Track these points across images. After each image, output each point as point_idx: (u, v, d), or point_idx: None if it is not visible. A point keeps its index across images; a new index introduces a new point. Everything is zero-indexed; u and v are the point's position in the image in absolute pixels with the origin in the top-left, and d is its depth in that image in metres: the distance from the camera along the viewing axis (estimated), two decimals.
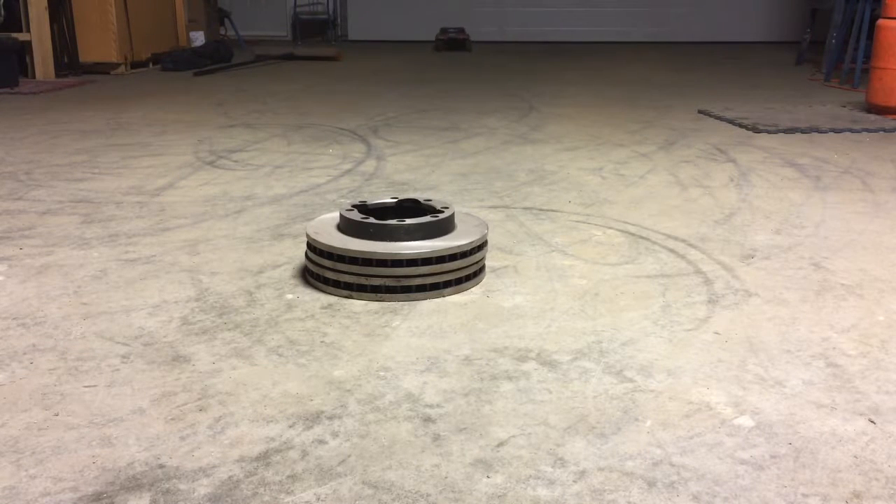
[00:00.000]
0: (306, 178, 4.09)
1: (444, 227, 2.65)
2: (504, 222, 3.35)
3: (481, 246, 2.67)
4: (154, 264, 2.85)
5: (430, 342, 2.25)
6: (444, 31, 11.80)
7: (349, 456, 1.71)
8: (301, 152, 4.70)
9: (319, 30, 13.04)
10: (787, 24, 12.49)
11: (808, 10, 9.62)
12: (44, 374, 2.06)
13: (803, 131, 5.32)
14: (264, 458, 1.70)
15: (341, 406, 1.91)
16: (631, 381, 2.03)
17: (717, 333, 2.31)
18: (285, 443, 1.75)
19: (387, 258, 2.51)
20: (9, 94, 6.99)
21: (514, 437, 1.78)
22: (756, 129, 5.34)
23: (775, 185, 3.96)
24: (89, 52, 8.43)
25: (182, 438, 1.77)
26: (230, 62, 9.34)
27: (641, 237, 3.17)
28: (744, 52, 11.20)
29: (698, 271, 2.80)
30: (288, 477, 1.63)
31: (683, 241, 3.12)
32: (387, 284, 2.51)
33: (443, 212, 2.69)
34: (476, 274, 2.67)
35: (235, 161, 4.47)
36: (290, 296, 2.58)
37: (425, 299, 2.53)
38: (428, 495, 1.58)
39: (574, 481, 1.62)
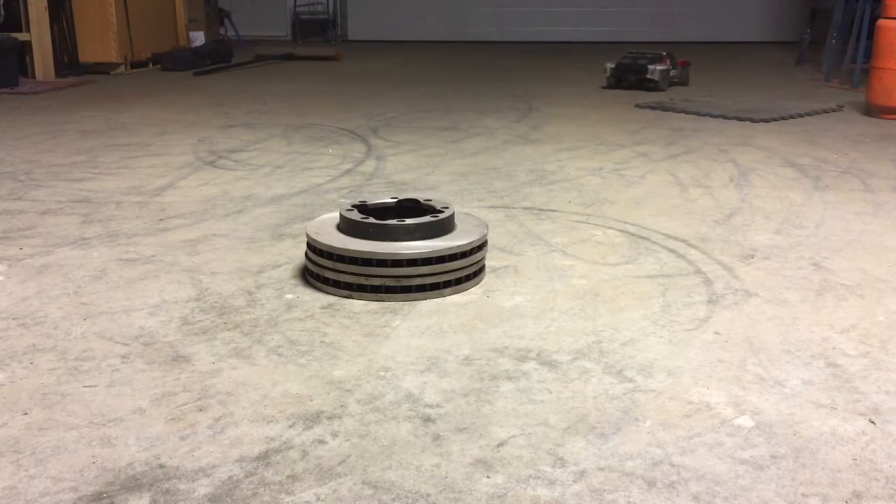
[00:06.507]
0: (306, 178, 4.09)
1: (444, 227, 2.65)
2: (504, 222, 3.35)
3: (481, 246, 2.67)
4: (154, 264, 2.85)
5: (430, 342, 2.25)
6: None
7: (349, 456, 1.71)
8: (301, 152, 4.70)
9: (319, 30, 13.04)
10: (787, 24, 12.49)
11: (808, 10, 9.62)
12: (44, 374, 2.06)
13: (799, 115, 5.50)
14: (264, 458, 1.70)
15: (341, 406, 1.91)
16: (631, 381, 2.03)
17: (717, 333, 2.31)
18: (285, 443, 1.75)
19: (387, 258, 2.51)
20: (9, 94, 6.99)
21: (514, 437, 1.78)
22: (753, 119, 5.71)
23: (775, 185, 3.97)
24: (89, 52, 8.44)
25: (182, 438, 1.77)
26: (230, 62, 9.34)
27: (641, 237, 3.17)
28: (744, 52, 11.20)
29: (698, 271, 2.80)
30: (288, 477, 1.63)
31: (683, 241, 3.12)
32: (387, 284, 2.51)
33: (443, 212, 2.69)
34: (476, 274, 2.67)
35: (235, 161, 4.47)
36: (290, 296, 2.58)
37: (425, 299, 2.53)
38: (428, 495, 1.58)
39: (574, 481, 1.62)
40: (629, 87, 7.27)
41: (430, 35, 12.90)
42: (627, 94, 7.15)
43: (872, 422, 1.85)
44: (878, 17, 6.03)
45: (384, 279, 2.51)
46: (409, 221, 2.61)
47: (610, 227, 3.29)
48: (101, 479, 1.62)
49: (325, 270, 2.58)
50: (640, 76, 7.23)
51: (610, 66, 7.42)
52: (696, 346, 2.22)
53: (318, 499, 1.57)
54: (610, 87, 7.40)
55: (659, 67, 7.23)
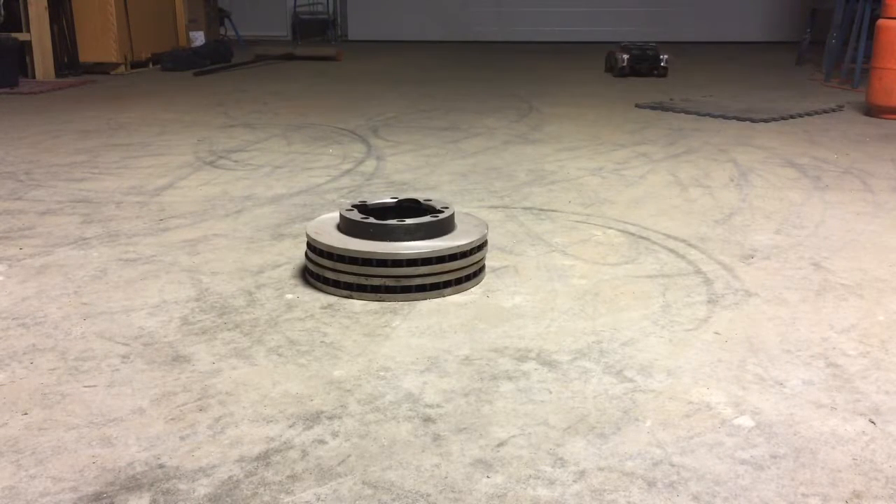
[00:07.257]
0: (306, 178, 4.09)
1: (444, 227, 2.65)
2: (504, 222, 3.35)
3: (481, 246, 2.67)
4: (154, 264, 2.85)
5: (430, 342, 2.25)
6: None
7: (349, 456, 1.71)
8: (301, 152, 4.70)
9: (319, 30, 13.04)
10: (787, 24, 12.48)
11: (808, 10, 9.62)
12: (44, 374, 2.06)
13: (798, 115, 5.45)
14: (264, 458, 1.70)
15: (341, 406, 1.91)
16: (631, 381, 2.03)
17: (717, 333, 2.31)
18: (285, 443, 1.75)
19: (387, 258, 2.51)
20: (9, 94, 6.99)
21: (514, 437, 1.78)
22: (752, 120, 5.73)
23: (775, 185, 3.97)
24: (89, 52, 8.43)
25: (182, 438, 1.77)
26: (230, 62, 9.34)
27: (641, 237, 3.17)
28: (744, 52, 11.19)
29: (698, 271, 2.80)
30: (288, 477, 1.63)
31: (683, 241, 3.12)
32: (387, 284, 2.52)
33: (443, 212, 2.69)
34: (476, 274, 2.67)
35: (235, 161, 4.47)
36: (290, 296, 2.58)
37: (425, 299, 2.53)
38: (428, 495, 1.58)
39: (574, 481, 1.62)
40: (642, 74, 8.27)
41: (431, 35, 12.90)
42: (627, 94, 7.15)
43: (872, 422, 1.85)
44: (878, 17, 6.03)
45: (384, 279, 2.51)
46: (409, 221, 2.61)
47: (610, 227, 3.29)
48: (101, 479, 1.62)
49: (325, 270, 2.58)
50: (653, 65, 8.29)
51: (626, 56, 8.29)
52: (696, 346, 2.22)
53: (318, 499, 1.57)
54: (624, 76, 8.28)
55: (667, 57, 8.36)
